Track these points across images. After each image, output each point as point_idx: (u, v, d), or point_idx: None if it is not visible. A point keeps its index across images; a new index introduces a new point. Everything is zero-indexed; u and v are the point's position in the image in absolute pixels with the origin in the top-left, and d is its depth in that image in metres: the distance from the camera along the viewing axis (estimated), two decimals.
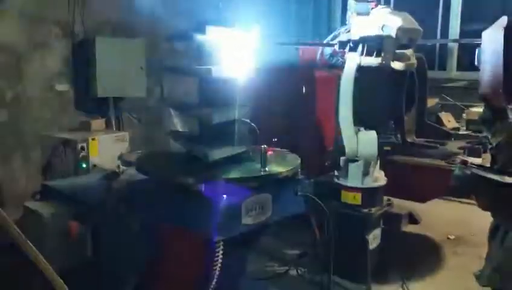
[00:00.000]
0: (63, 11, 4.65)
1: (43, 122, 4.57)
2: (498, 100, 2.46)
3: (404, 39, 3.09)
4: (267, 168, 2.28)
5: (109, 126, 4.92)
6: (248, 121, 2.46)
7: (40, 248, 1.93)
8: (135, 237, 2.38)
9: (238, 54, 2.39)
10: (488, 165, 2.51)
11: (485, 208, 2.56)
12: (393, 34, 3.00)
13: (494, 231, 2.61)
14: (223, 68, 2.35)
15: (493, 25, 2.52)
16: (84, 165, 4.06)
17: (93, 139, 4.16)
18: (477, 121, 3.03)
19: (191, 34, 2.30)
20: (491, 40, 2.47)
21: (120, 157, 3.15)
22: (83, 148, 4.08)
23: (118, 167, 2.97)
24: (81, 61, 4.78)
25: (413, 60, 3.25)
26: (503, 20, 2.45)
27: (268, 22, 2.56)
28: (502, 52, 2.39)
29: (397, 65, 3.12)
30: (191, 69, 2.39)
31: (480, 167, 2.52)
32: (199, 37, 2.28)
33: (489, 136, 2.53)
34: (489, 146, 2.54)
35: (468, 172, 2.46)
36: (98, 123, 4.59)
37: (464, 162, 2.59)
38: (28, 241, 1.81)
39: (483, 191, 2.48)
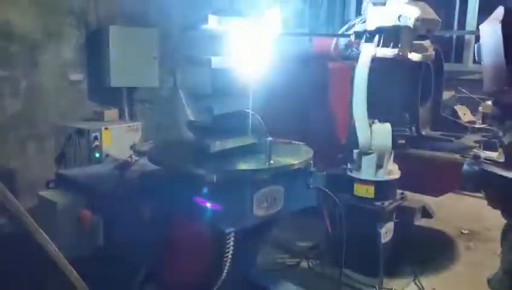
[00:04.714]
0: (76, 0, 4.66)
1: (57, 112, 4.60)
2: (507, 97, 2.33)
3: (422, 30, 3.02)
4: (272, 161, 2.26)
5: (122, 116, 4.94)
6: (253, 112, 2.43)
7: (53, 236, 1.94)
8: (146, 226, 2.39)
9: (249, 44, 2.37)
10: (502, 160, 2.42)
11: (493, 206, 2.48)
12: (411, 24, 2.93)
13: (506, 232, 2.53)
14: (231, 58, 2.32)
15: (490, 18, 2.38)
16: (97, 155, 4.09)
17: (106, 128, 4.19)
18: (488, 117, 2.94)
19: (201, 24, 2.28)
20: (490, 34, 2.34)
21: (132, 147, 3.16)
22: (96, 138, 4.10)
23: (131, 156, 2.99)
24: (95, 51, 4.79)
25: (431, 51, 3.18)
26: (499, 13, 2.29)
27: (281, 12, 2.53)
28: (502, 48, 2.22)
29: (414, 56, 3.05)
30: (202, 59, 2.37)
31: (493, 161, 2.43)
32: (208, 27, 2.26)
33: (501, 134, 2.44)
34: (501, 143, 2.45)
35: (477, 167, 2.38)
36: (111, 113, 4.61)
37: (476, 157, 2.49)
38: (40, 230, 1.82)
39: (493, 187, 2.39)
